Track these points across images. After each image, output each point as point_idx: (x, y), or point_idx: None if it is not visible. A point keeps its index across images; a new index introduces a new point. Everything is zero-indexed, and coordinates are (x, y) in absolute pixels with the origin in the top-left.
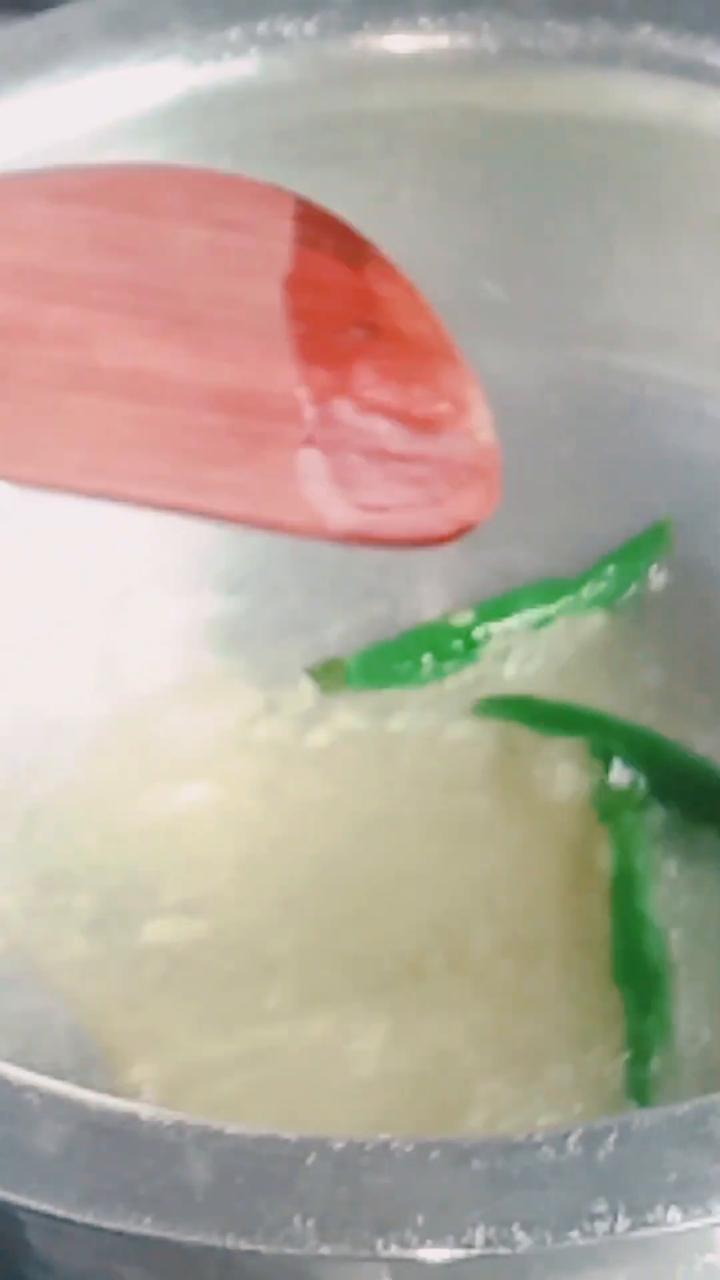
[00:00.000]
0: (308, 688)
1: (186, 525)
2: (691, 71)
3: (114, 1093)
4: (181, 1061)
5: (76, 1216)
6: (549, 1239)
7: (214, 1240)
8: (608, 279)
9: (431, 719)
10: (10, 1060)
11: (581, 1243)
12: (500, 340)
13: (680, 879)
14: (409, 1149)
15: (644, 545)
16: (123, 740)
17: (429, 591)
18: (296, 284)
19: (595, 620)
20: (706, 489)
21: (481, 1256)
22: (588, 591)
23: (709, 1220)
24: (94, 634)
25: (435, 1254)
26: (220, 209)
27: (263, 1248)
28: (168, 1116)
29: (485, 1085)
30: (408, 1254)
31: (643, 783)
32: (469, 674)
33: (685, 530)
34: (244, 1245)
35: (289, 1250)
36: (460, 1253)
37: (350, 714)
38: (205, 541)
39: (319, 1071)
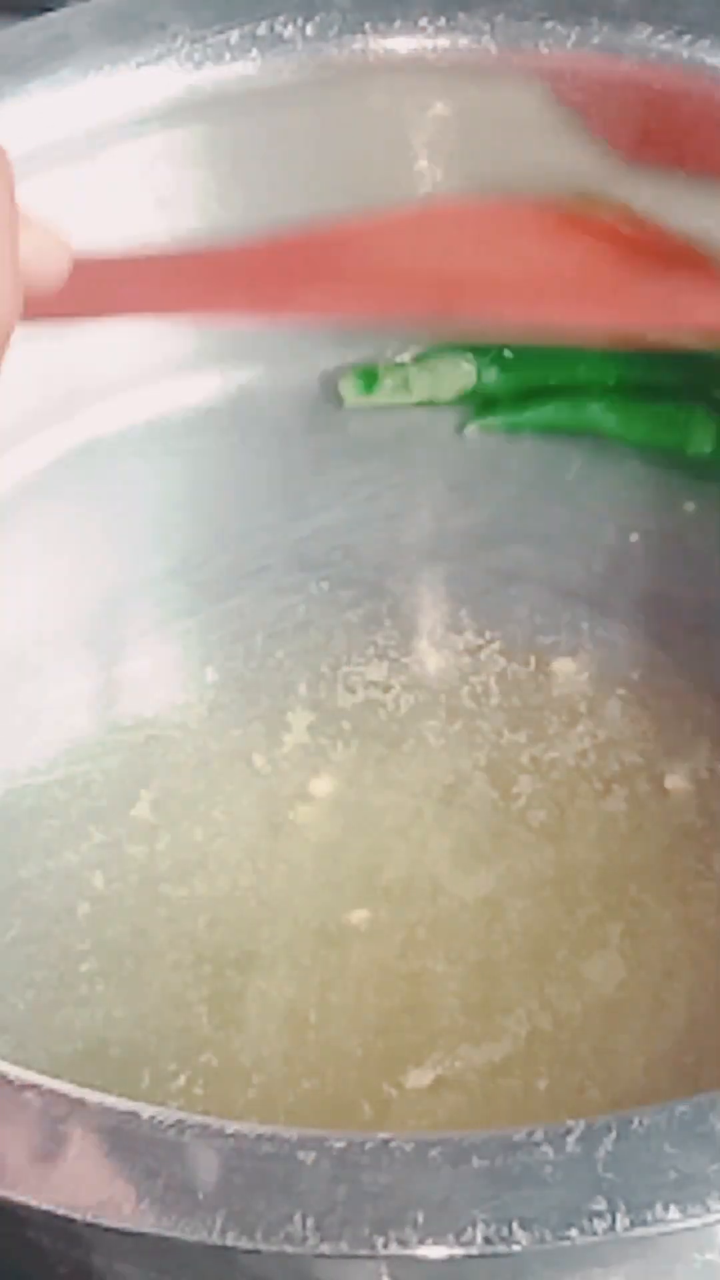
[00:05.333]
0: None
1: (183, 524)
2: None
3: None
4: None
5: (76, 1215)
6: (548, 1237)
7: (214, 1239)
8: None
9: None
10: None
11: (580, 1241)
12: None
13: None
14: (408, 1147)
15: None
16: (121, 744)
17: (429, 591)
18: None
19: None
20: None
21: (480, 1255)
22: None
23: (708, 1218)
24: (93, 635)
25: (434, 1252)
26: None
27: (262, 1246)
28: (168, 1115)
29: None
30: (407, 1252)
31: None
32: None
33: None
34: (244, 1244)
35: (288, 1249)
36: (459, 1251)
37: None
38: (204, 540)
39: None
